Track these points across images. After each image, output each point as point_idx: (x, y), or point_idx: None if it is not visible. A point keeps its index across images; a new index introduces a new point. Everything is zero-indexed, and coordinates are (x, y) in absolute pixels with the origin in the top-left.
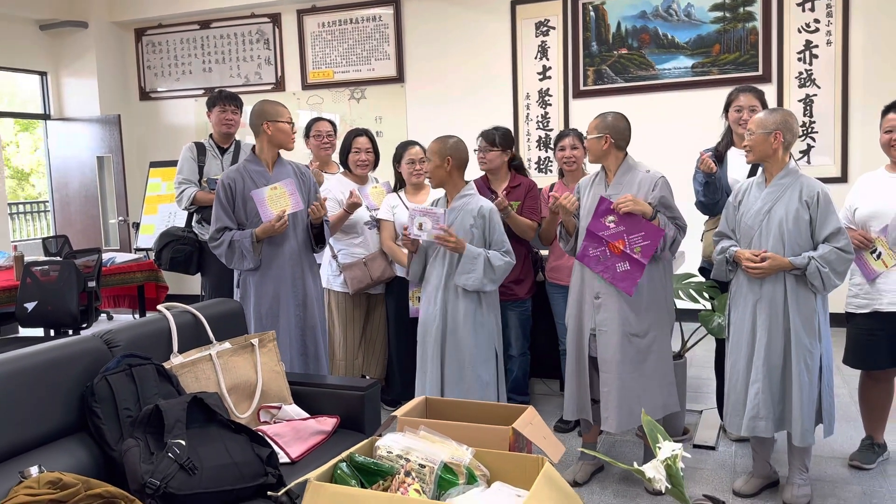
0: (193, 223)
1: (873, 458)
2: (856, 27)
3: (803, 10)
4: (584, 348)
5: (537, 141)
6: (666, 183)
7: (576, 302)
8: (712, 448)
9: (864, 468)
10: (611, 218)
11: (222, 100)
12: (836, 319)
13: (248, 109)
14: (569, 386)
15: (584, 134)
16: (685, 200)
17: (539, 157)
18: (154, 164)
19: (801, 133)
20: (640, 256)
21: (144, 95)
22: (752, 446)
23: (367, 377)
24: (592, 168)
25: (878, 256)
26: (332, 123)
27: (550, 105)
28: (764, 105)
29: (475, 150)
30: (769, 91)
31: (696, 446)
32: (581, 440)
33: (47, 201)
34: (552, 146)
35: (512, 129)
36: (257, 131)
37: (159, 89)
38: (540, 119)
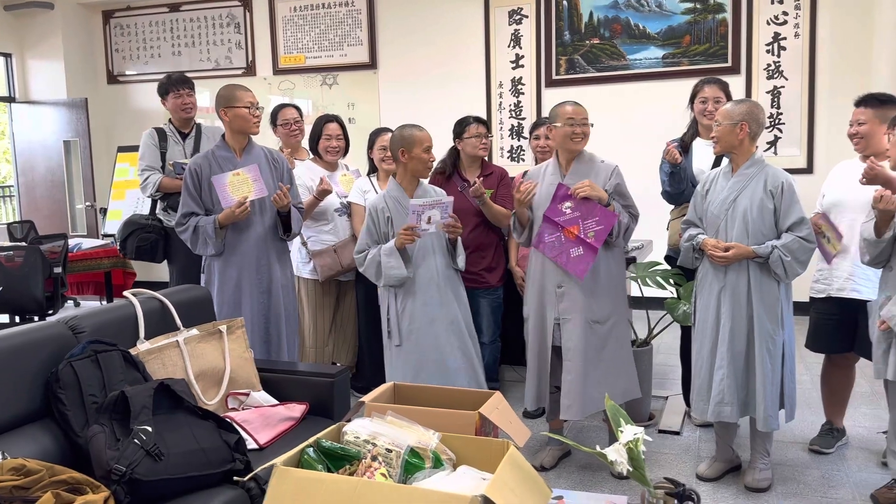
0: (159, 210)
1: (832, 443)
2: (822, 20)
3: (772, 3)
4: (547, 338)
5: (510, 129)
6: (620, 172)
7: (537, 293)
8: (677, 433)
9: (823, 452)
10: (567, 204)
11: (174, 85)
12: (803, 307)
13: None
14: (530, 376)
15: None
16: (654, 189)
17: (512, 146)
18: (122, 149)
19: (768, 124)
20: (593, 241)
21: (112, 79)
22: (715, 431)
23: (338, 364)
24: None
25: (829, 241)
26: (299, 109)
27: (523, 94)
28: (728, 96)
29: (459, 138)
30: (738, 82)
31: (661, 431)
32: (548, 426)
33: (12, 186)
34: (526, 135)
35: (485, 116)
36: (220, 118)
37: (127, 73)
38: (513, 108)
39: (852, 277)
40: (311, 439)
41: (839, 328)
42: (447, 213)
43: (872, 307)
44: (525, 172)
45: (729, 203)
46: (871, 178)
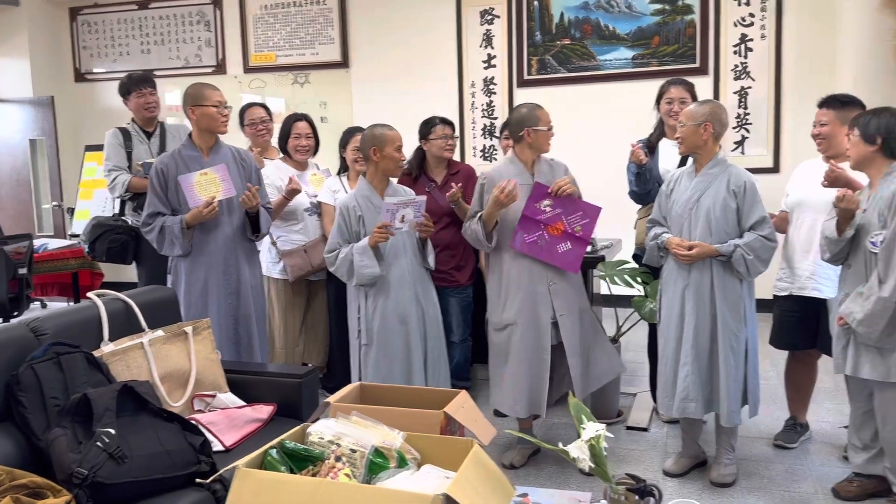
0: (128, 211)
1: (795, 438)
2: (788, 22)
3: (739, 5)
4: (545, 339)
5: (482, 129)
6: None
7: (525, 296)
8: (644, 430)
9: (787, 447)
10: (546, 202)
11: (136, 84)
12: (768, 305)
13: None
14: (520, 382)
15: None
16: (622, 188)
17: (484, 146)
18: (90, 148)
19: (733, 125)
20: (582, 234)
21: (80, 77)
22: (681, 427)
23: (309, 365)
24: None
25: None
26: (266, 108)
27: (495, 93)
28: (694, 97)
29: (425, 139)
30: (706, 83)
31: (629, 428)
32: (518, 425)
33: None
34: (497, 134)
35: (457, 116)
36: (187, 117)
37: (95, 70)
38: (485, 107)
39: (814, 276)
40: (275, 440)
41: (801, 325)
42: (420, 213)
43: (832, 304)
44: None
45: (692, 203)
46: (832, 180)
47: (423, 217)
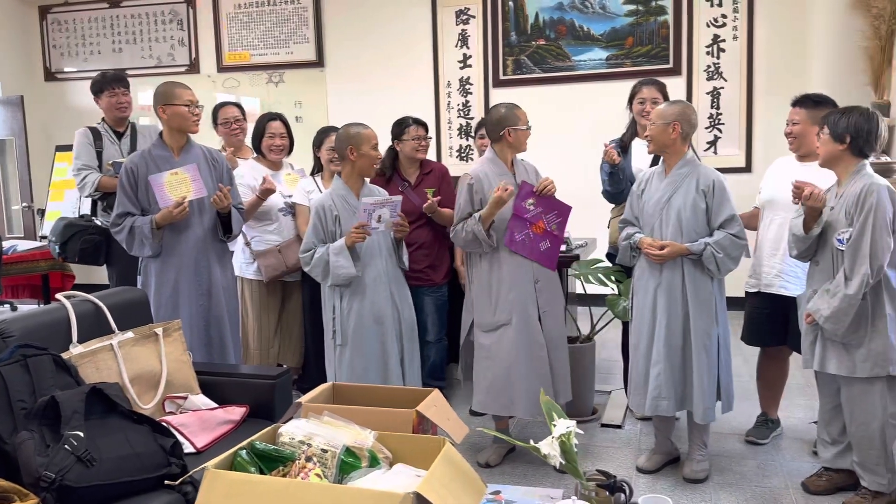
0: (99, 211)
1: (767, 434)
2: (759, 23)
3: (711, 6)
4: (539, 335)
5: (458, 129)
6: None
7: (518, 294)
8: (619, 427)
9: (758, 443)
10: (530, 201)
11: (108, 83)
12: (740, 302)
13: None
14: (518, 383)
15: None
16: (597, 188)
17: (460, 145)
18: (60, 148)
19: (706, 125)
20: (557, 232)
21: (50, 76)
22: (654, 424)
23: (284, 366)
24: None
25: None
26: (240, 107)
27: (471, 93)
28: (666, 97)
29: (398, 140)
30: (679, 83)
31: (603, 425)
32: (494, 424)
33: None
34: (473, 134)
35: (433, 115)
36: (158, 116)
37: (66, 70)
38: (461, 107)
39: (781, 274)
40: (245, 441)
41: (771, 322)
42: (396, 212)
43: (801, 301)
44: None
45: (663, 203)
46: (799, 197)
47: (399, 217)
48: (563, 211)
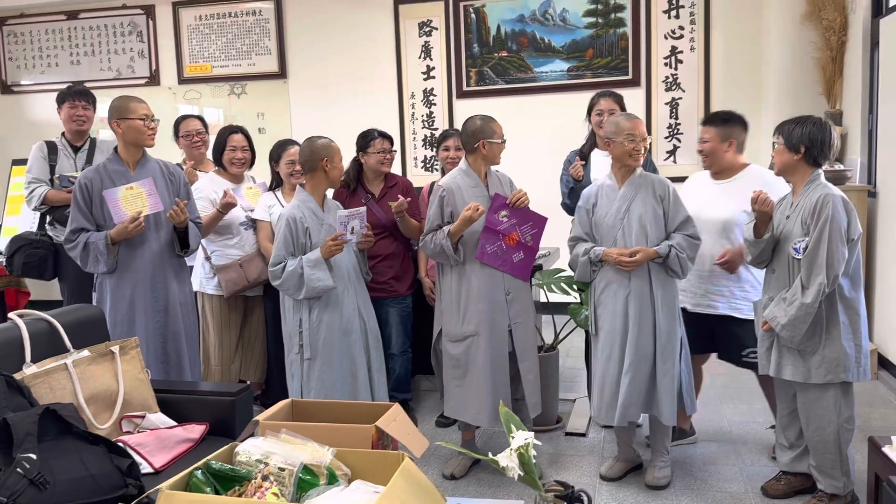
0: (46, 225)
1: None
2: (715, 35)
3: (669, 18)
4: (505, 347)
5: (423, 140)
6: None
7: (486, 306)
8: (583, 435)
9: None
10: (504, 213)
11: (72, 95)
12: None
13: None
14: (482, 393)
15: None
16: (559, 198)
17: (425, 156)
18: (16, 162)
19: (665, 135)
20: (532, 244)
21: (6, 89)
22: (615, 432)
23: (247, 382)
24: None
25: None
26: (202, 120)
27: (435, 105)
28: (622, 108)
29: (363, 152)
30: (638, 94)
31: (568, 434)
32: (460, 434)
33: None
34: (436, 146)
35: (397, 127)
36: (112, 130)
37: (23, 82)
38: (425, 118)
39: (708, 294)
40: (201, 461)
41: (698, 336)
42: (364, 224)
43: (756, 307)
44: (432, 184)
45: (623, 212)
46: (760, 203)
47: (366, 227)
48: (539, 222)
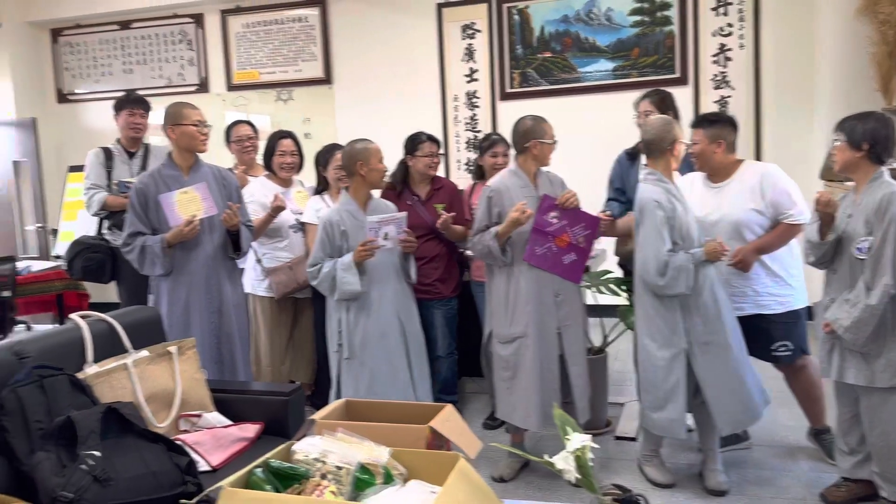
0: (104, 230)
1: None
2: (766, 31)
3: (717, 15)
4: (554, 350)
5: (466, 142)
6: None
7: (535, 308)
8: (633, 439)
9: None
10: (553, 214)
11: (129, 103)
12: None
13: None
14: (530, 395)
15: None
16: (604, 199)
17: (468, 159)
18: (73, 169)
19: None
20: (584, 245)
21: (62, 98)
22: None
23: (296, 382)
24: None
25: None
26: (252, 125)
27: (478, 107)
28: (658, 109)
29: (411, 155)
30: (686, 93)
31: (617, 438)
32: (508, 436)
33: None
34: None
35: (440, 130)
36: (167, 136)
37: (78, 91)
38: (468, 121)
39: (732, 297)
40: (260, 459)
41: None
42: (402, 229)
43: (817, 309)
44: (473, 186)
45: (689, 210)
46: (823, 204)
47: (406, 233)
48: (591, 223)
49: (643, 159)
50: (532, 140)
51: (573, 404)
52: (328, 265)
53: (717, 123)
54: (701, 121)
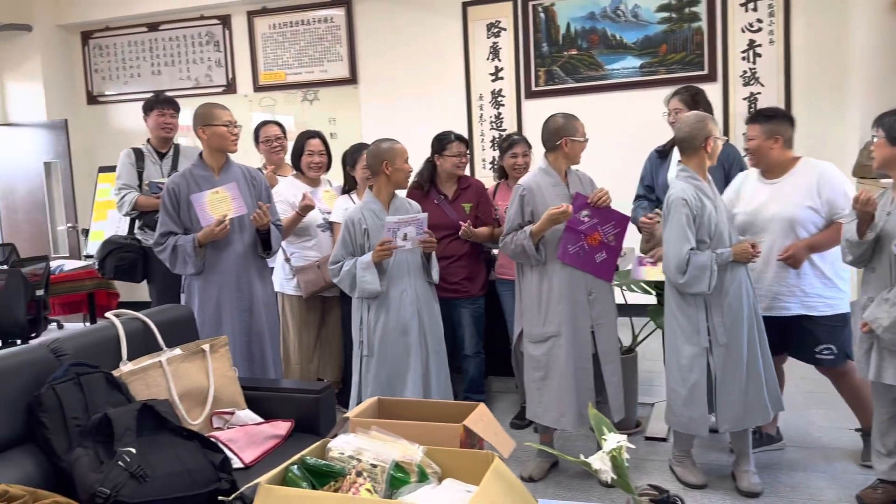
0: (136, 229)
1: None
2: (796, 26)
3: (746, 10)
4: (588, 348)
5: (491, 141)
6: None
7: (567, 306)
8: (664, 440)
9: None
10: (585, 213)
11: (159, 104)
12: None
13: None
14: (566, 395)
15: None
16: (632, 197)
17: (493, 158)
18: (103, 169)
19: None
20: (615, 244)
21: (92, 99)
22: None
23: (324, 380)
24: None
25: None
26: (281, 126)
27: (503, 105)
28: (688, 106)
29: (439, 154)
30: (715, 90)
31: (647, 438)
32: (537, 436)
33: None
34: (498, 148)
35: (465, 128)
36: (198, 136)
37: (107, 93)
38: (493, 119)
39: (778, 296)
40: (296, 457)
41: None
42: (422, 229)
43: (854, 308)
44: (496, 187)
45: (723, 209)
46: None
47: (426, 234)
48: (621, 221)
49: (674, 157)
50: (564, 137)
51: (607, 404)
52: (349, 263)
53: (774, 119)
54: (757, 116)
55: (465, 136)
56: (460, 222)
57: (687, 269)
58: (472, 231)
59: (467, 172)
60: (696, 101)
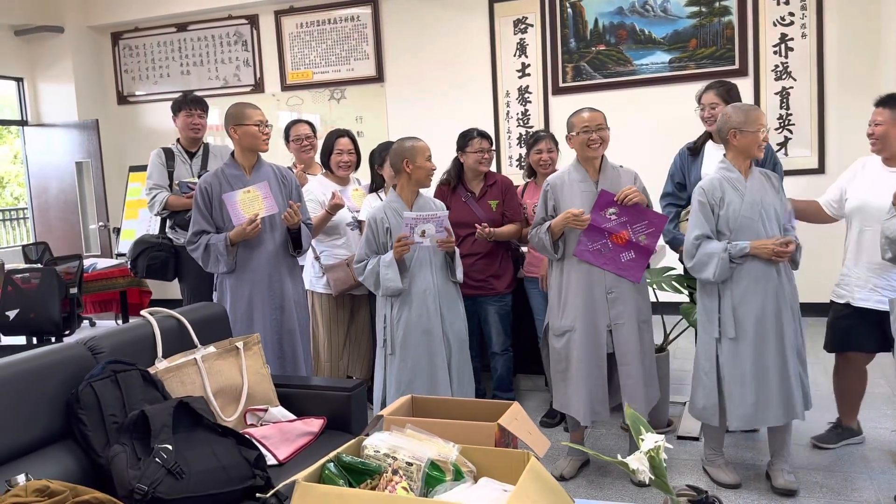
0: (167, 228)
1: (836, 440)
2: (829, 20)
3: (778, 4)
4: (602, 346)
5: (518, 138)
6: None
7: (583, 303)
8: (696, 439)
9: (823, 447)
10: (612, 210)
11: (188, 104)
12: (816, 308)
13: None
14: (579, 389)
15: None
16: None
17: (520, 155)
18: (133, 169)
19: (775, 125)
20: (647, 244)
21: (122, 100)
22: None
23: (353, 378)
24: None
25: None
26: (311, 125)
27: (530, 102)
28: (724, 101)
29: (462, 151)
30: (746, 84)
31: (679, 438)
32: (566, 434)
33: (26, 208)
34: (524, 145)
35: (492, 126)
36: (229, 136)
37: (137, 93)
38: (520, 116)
39: (877, 289)
40: (332, 454)
41: (866, 331)
42: (442, 227)
43: (893, 304)
44: (525, 185)
45: (760, 204)
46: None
47: (446, 232)
48: (657, 221)
49: (706, 153)
50: (568, 134)
51: (620, 406)
52: (372, 262)
53: None
54: (888, 100)
55: (492, 133)
56: (476, 225)
57: (696, 253)
58: (492, 232)
59: (493, 169)
60: (732, 96)
